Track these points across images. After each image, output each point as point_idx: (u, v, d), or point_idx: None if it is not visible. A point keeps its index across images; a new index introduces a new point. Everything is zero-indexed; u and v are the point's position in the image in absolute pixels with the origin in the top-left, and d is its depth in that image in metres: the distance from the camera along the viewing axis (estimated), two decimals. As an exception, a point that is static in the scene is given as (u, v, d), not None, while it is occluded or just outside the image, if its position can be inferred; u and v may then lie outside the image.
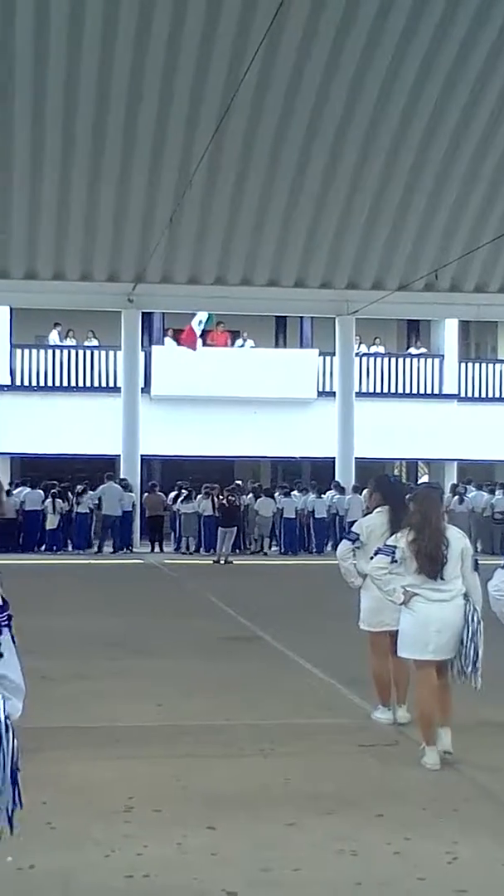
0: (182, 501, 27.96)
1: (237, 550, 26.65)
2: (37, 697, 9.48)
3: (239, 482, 28.97)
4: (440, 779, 7.50)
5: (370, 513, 9.50)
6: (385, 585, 8.10)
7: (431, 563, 7.78)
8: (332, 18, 22.16)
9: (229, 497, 26.45)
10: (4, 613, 4.26)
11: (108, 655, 12.11)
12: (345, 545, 9.32)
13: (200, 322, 29.86)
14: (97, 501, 27.49)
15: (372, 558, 8.34)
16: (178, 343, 30.71)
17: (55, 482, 27.84)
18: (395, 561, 7.94)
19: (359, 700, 9.81)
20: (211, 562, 25.32)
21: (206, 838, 6.28)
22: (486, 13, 22.46)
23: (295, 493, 28.75)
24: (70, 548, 27.64)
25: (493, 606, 7.47)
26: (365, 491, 24.78)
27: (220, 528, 26.07)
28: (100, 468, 29.63)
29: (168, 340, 31.95)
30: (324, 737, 8.69)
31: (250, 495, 28.26)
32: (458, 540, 7.93)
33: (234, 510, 26.23)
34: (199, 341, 29.97)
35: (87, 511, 27.74)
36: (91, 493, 27.61)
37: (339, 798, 7.03)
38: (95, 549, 27.43)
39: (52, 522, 27.34)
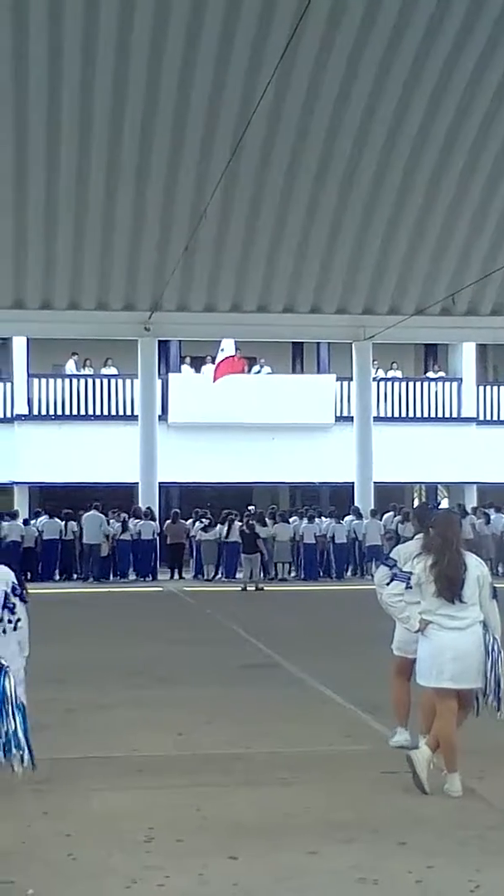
0: (202, 529, 27.86)
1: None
2: (60, 729, 9.54)
3: (251, 508, 28.88)
4: (463, 806, 7.45)
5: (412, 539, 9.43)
6: (400, 612, 8.06)
7: (451, 586, 7.75)
8: (345, 44, 22.26)
9: (249, 523, 26.38)
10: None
11: (129, 685, 12.07)
12: (382, 571, 9.20)
13: (222, 350, 29.62)
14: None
15: (388, 584, 8.31)
16: (228, 372, 29.80)
17: (70, 510, 27.89)
18: (410, 587, 7.93)
19: (380, 727, 9.74)
20: (240, 588, 25.19)
21: (227, 868, 6.25)
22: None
23: (322, 518, 28.50)
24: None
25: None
26: (397, 516, 25.16)
27: (243, 554, 26.01)
28: (118, 496, 29.65)
29: (185, 368, 31.98)
30: (344, 764, 8.63)
31: (276, 524, 27.78)
32: (475, 567, 7.90)
33: (253, 536, 26.12)
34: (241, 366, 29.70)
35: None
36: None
37: (361, 826, 6.99)
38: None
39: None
